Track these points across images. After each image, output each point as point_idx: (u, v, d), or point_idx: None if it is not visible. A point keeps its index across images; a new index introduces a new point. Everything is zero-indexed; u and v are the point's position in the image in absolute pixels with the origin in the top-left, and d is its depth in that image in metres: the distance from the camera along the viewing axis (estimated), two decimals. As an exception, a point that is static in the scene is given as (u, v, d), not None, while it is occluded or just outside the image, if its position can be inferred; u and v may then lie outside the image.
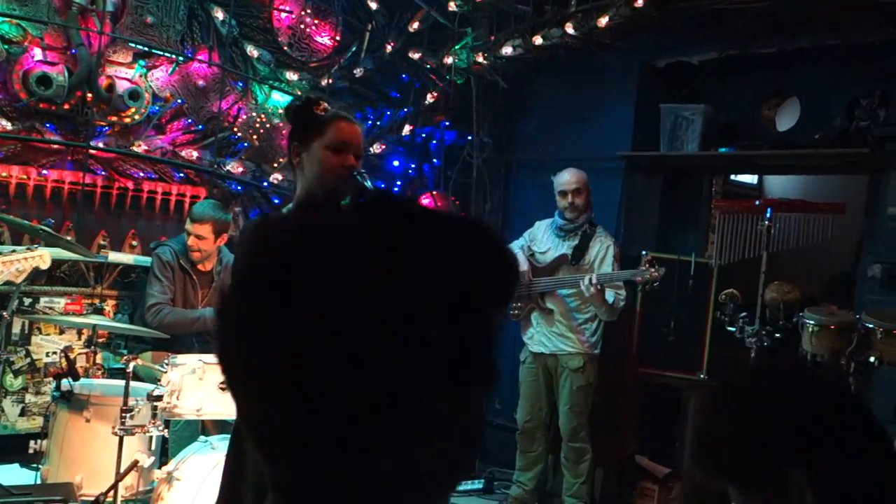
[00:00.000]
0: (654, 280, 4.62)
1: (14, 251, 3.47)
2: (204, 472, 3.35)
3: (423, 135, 6.33)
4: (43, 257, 3.54)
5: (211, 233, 4.40)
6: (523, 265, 4.96)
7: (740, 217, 4.87)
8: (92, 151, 4.90)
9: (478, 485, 5.51)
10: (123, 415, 3.32)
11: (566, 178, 4.84)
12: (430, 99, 6.16)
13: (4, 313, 3.56)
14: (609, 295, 4.71)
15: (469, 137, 6.24)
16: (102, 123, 4.93)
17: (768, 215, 4.60)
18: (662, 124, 5.44)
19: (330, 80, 5.72)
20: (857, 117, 4.77)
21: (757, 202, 4.90)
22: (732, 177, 6.89)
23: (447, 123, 6.32)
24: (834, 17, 4.69)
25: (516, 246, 5.11)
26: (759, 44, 5.17)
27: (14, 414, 4.69)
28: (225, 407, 3.40)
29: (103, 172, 5.00)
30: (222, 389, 3.47)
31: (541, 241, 5.03)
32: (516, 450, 5.12)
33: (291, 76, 5.57)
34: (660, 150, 5.47)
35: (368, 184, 2.34)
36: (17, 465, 4.15)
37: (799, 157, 5.20)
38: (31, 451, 3.68)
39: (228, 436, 2.71)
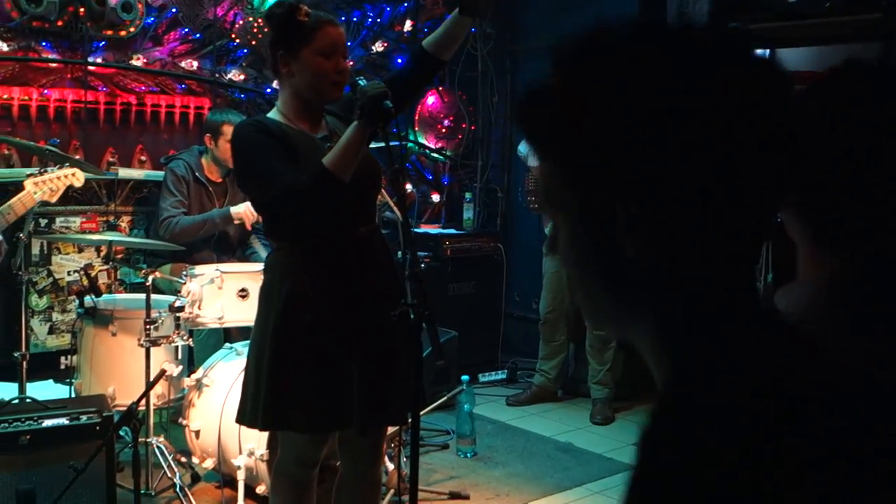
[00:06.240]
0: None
1: (46, 170, 3.47)
2: (231, 377, 3.43)
3: (426, 30, 6.19)
4: (76, 175, 3.54)
5: None
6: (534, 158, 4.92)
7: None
8: (91, 68, 4.85)
9: (501, 375, 5.62)
10: (147, 327, 3.39)
11: None
12: (429, -9, 6.01)
13: (21, 235, 3.58)
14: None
15: (472, 29, 6.09)
16: (98, 38, 4.86)
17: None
18: (668, 3, 5.28)
19: (325, -22, 5.57)
20: (870, -19, 4.62)
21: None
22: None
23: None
24: None
25: (525, 137, 5.06)
26: (766, -90, 4.98)
27: (43, 332, 4.79)
28: (246, 314, 3.45)
29: (105, 89, 4.96)
30: (241, 297, 3.53)
31: (550, 130, 4.98)
32: (538, 340, 5.20)
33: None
34: (667, 30, 5.33)
35: (363, 82, 2.31)
36: (50, 381, 4.25)
37: (809, 27, 5.06)
38: (62, 366, 3.78)
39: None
